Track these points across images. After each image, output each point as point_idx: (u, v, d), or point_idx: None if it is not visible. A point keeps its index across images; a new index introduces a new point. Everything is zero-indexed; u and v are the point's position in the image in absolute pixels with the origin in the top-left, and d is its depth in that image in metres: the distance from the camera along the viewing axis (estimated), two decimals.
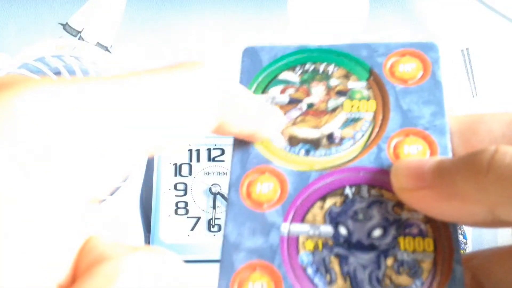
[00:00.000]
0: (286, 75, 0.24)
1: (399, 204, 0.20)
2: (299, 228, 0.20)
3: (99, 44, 0.56)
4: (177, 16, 0.63)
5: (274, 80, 0.24)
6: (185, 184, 0.59)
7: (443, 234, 0.19)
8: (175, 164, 0.59)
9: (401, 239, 0.19)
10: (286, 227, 0.20)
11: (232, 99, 0.19)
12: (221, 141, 0.60)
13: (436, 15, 0.60)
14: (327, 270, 0.19)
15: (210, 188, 0.59)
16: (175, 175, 0.59)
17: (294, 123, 0.22)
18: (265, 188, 0.21)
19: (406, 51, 0.23)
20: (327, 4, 0.59)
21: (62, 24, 0.56)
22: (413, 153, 0.21)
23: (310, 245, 0.20)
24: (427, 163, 0.19)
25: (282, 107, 0.23)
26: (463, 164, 0.17)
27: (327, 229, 0.20)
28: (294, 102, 0.23)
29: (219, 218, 0.58)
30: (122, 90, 0.16)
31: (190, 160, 0.60)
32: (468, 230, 0.59)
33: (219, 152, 0.60)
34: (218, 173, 0.59)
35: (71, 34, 0.56)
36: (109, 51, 0.57)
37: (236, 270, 0.19)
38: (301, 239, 0.20)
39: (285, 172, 0.21)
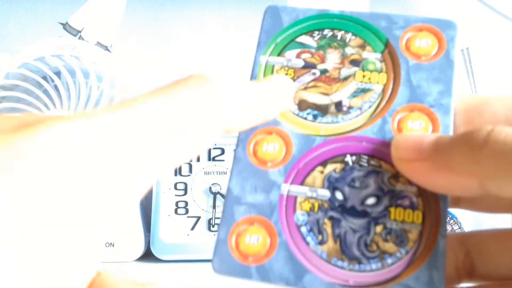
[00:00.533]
0: (304, 39, 0.24)
1: (395, 176, 0.21)
2: (298, 189, 0.21)
3: (99, 44, 0.56)
4: (177, 16, 0.63)
5: (291, 43, 0.24)
6: (185, 184, 0.59)
7: (433, 209, 0.20)
8: None
9: (392, 209, 0.20)
10: (286, 187, 0.21)
11: (241, 107, 0.19)
12: (221, 141, 0.60)
13: (436, 15, 0.60)
14: (320, 230, 0.20)
15: (210, 188, 0.59)
16: (175, 174, 0.59)
17: (306, 88, 0.23)
18: (271, 147, 0.22)
19: (424, 26, 0.24)
20: (327, 4, 0.59)
21: (62, 24, 0.56)
22: (416, 128, 0.21)
23: (306, 206, 0.21)
24: (427, 138, 0.19)
25: (296, 70, 0.23)
26: (460, 139, 0.18)
27: (325, 192, 0.21)
28: (308, 66, 0.23)
29: (219, 218, 0.58)
30: (131, 122, 0.16)
31: (190, 160, 0.60)
32: (467, 229, 0.59)
33: (219, 151, 0.60)
34: (218, 173, 0.59)
35: (71, 34, 0.56)
36: (109, 50, 0.57)
37: (236, 221, 0.20)
38: (298, 199, 0.21)
39: (291, 134, 0.22)
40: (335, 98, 0.23)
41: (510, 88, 0.63)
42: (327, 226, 0.20)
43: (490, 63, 0.64)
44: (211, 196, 0.59)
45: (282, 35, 0.24)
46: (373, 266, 0.19)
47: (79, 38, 0.56)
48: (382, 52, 0.23)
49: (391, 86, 0.23)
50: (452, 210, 0.59)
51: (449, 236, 0.22)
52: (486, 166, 0.17)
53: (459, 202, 0.23)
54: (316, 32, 0.24)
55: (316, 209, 0.21)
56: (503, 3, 0.55)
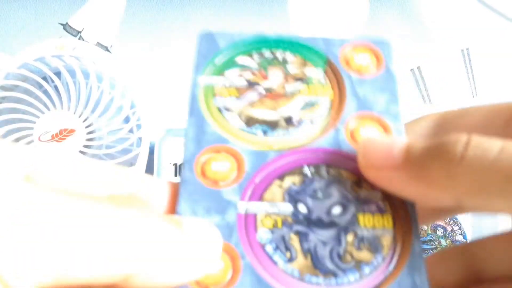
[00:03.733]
0: (243, 60, 0.24)
1: (358, 183, 0.20)
2: (257, 206, 0.20)
3: (99, 44, 0.56)
4: (177, 16, 0.63)
5: (230, 64, 0.24)
6: None
7: (401, 211, 0.19)
8: (175, 164, 0.60)
9: (360, 216, 0.19)
10: (243, 205, 0.20)
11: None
12: None
13: (436, 15, 0.60)
14: (287, 247, 0.19)
15: None
16: (175, 175, 0.59)
17: (252, 105, 0.22)
18: (221, 166, 0.20)
19: (360, 44, 0.24)
20: (327, 4, 0.59)
21: (62, 24, 0.56)
22: (369, 135, 0.21)
23: (268, 222, 0.19)
24: (397, 144, 0.19)
25: (239, 89, 0.23)
26: (434, 151, 0.17)
27: (286, 207, 0.20)
28: (251, 85, 0.23)
29: None
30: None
31: None
32: (467, 229, 0.59)
33: None
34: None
35: (71, 34, 0.56)
36: (109, 51, 0.57)
37: None
38: (259, 217, 0.19)
39: (242, 152, 0.21)
40: (283, 112, 0.22)
41: (510, 88, 0.63)
42: (294, 242, 0.19)
43: (490, 63, 0.64)
44: None
45: (219, 56, 0.24)
46: (351, 277, 0.18)
47: (79, 39, 0.56)
48: (324, 68, 0.23)
49: (338, 97, 0.22)
50: None
51: (448, 249, 0.22)
52: (463, 182, 0.17)
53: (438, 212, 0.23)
54: (255, 53, 0.24)
55: (279, 225, 0.19)
56: (503, 3, 0.55)
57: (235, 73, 0.23)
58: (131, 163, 0.55)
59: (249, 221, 0.19)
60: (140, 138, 0.55)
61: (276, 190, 0.20)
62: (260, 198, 0.20)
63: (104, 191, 0.18)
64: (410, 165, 0.18)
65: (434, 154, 0.17)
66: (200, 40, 0.24)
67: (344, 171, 0.20)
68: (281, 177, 0.20)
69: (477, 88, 0.62)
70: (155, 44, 0.64)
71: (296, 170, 0.21)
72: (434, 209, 0.22)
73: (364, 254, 0.19)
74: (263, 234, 0.19)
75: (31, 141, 0.52)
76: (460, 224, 0.60)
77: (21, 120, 0.52)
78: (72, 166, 0.18)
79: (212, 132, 0.21)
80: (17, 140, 0.53)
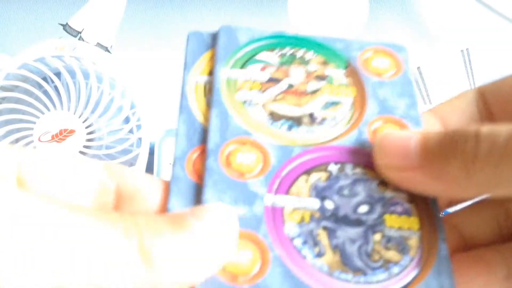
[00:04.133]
0: (264, 56, 0.24)
1: (383, 183, 0.20)
2: (284, 199, 0.20)
3: (99, 45, 0.56)
4: (177, 16, 0.63)
5: (252, 59, 0.23)
6: None
7: (427, 213, 0.19)
8: None
9: (387, 216, 0.19)
10: (270, 198, 0.20)
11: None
12: None
13: (436, 15, 0.60)
14: (316, 242, 0.19)
15: None
16: None
17: (275, 99, 0.22)
18: (247, 158, 0.20)
19: (379, 48, 0.24)
20: (327, 4, 0.59)
21: (62, 25, 0.56)
22: None
23: (296, 216, 0.19)
24: (412, 141, 0.19)
25: (262, 84, 0.23)
26: (450, 148, 0.17)
27: (314, 202, 0.20)
28: (273, 80, 0.23)
29: None
30: None
31: None
32: None
33: None
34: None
35: (71, 35, 0.56)
36: (109, 51, 0.57)
37: None
38: (286, 210, 0.19)
39: (267, 145, 0.21)
40: (306, 109, 0.22)
41: None
42: (322, 237, 0.19)
43: (490, 63, 0.64)
44: None
45: (241, 51, 0.23)
46: (380, 276, 0.18)
47: (79, 39, 0.56)
48: (345, 69, 0.23)
49: (359, 99, 0.23)
50: None
51: (486, 201, 0.22)
52: (480, 179, 0.17)
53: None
54: (277, 49, 0.24)
55: (307, 219, 0.19)
56: (503, 3, 0.55)
57: (258, 68, 0.23)
58: (131, 163, 0.55)
59: (277, 214, 0.19)
60: (140, 139, 0.55)
61: (302, 185, 0.20)
62: (287, 192, 0.20)
63: (99, 190, 0.19)
64: (427, 164, 0.18)
65: (449, 152, 0.17)
66: (220, 35, 0.24)
67: (369, 171, 0.20)
68: (307, 172, 0.20)
69: None
70: (155, 44, 0.64)
71: (322, 166, 0.21)
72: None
73: (392, 254, 0.19)
74: (291, 227, 0.19)
75: (31, 142, 0.52)
76: None
77: (21, 121, 0.52)
78: (65, 167, 0.18)
79: (235, 125, 0.21)
80: (17, 140, 0.53)
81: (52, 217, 0.14)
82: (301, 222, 0.19)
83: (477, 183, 0.17)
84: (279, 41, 0.24)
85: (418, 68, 0.57)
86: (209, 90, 0.22)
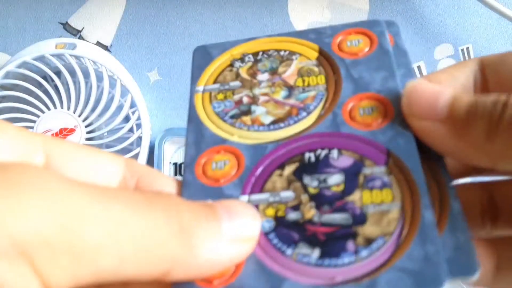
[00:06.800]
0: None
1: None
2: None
3: (99, 43, 0.56)
4: (177, 16, 0.63)
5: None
6: None
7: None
8: (175, 164, 0.59)
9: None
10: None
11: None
12: None
13: (436, 15, 0.60)
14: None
15: None
16: (175, 174, 0.59)
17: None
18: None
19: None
20: (327, 4, 0.59)
21: (62, 24, 0.56)
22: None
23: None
24: (443, 95, 0.18)
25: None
26: (477, 109, 0.17)
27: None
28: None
29: None
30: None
31: None
32: None
33: None
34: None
35: (71, 34, 0.56)
36: (109, 50, 0.57)
37: None
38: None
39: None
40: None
41: None
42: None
43: None
44: None
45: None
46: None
47: (79, 38, 0.56)
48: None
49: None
50: None
51: (471, 183, 0.22)
52: (499, 146, 0.16)
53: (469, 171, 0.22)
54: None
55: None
56: (503, 2, 0.55)
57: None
58: None
59: None
60: (140, 138, 0.55)
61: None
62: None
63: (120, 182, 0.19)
64: (453, 121, 0.18)
65: (476, 113, 0.17)
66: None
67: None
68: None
69: None
70: (155, 44, 0.64)
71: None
72: (466, 167, 0.22)
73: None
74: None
75: None
76: None
77: (21, 120, 0.52)
78: (91, 159, 0.18)
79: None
80: None
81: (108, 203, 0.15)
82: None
83: (494, 149, 0.17)
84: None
85: (419, 67, 0.57)
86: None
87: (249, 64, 0.24)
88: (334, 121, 0.21)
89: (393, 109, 0.21)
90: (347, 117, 0.21)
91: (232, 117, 0.23)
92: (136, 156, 0.54)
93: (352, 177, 0.20)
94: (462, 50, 0.61)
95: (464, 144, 0.18)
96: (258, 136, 0.22)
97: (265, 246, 0.19)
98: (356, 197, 0.19)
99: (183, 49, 0.61)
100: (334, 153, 0.20)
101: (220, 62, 0.24)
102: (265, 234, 0.19)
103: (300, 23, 0.59)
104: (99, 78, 0.53)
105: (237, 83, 0.24)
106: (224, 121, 0.22)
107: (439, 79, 0.22)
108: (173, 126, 0.60)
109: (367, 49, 0.23)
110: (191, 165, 0.21)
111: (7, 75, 0.53)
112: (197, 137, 0.22)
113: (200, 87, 0.24)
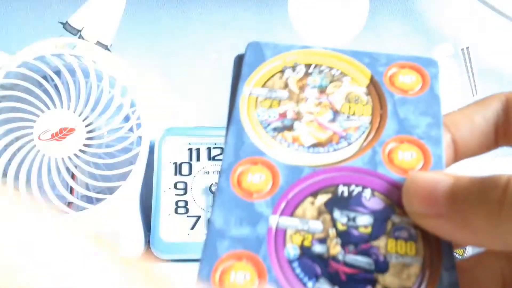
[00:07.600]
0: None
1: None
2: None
3: (99, 43, 0.56)
4: (177, 16, 0.63)
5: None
6: (185, 183, 0.59)
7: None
8: (175, 163, 0.59)
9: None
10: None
11: None
12: (221, 140, 0.60)
13: (436, 15, 0.60)
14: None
15: (210, 187, 0.59)
16: (175, 174, 0.59)
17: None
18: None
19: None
20: (327, 4, 0.59)
21: (62, 23, 0.56)
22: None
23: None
24: (440, 187, 0.18)
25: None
26: (477, 198, 0.17)
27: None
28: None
29: None
30: None
31: (190, 159, 0.60)
32: None
33: (219, 151, 0.60)
34: (218, 172, 0.59)
35: (71, 33, 0.56)
36: (109, 50, 0.57)
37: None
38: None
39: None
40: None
41: (510, 87, 0.63)
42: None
43: (490, 62, 0.64)
44: (211, 195, 0.59)
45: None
46: None
47: (79, 38, 0.56)
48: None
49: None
50: None
51: (492, 252, 0.21)
52: (506, 231, 0.16)
53: None
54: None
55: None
56: (503, 3, 0.55)
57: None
58: (131, 162, 0.55)
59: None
60: (140, 137, 0.55)
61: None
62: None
63: None
64: (455, 214, 0.17)
65: (476, 202, 0.17)
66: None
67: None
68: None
69: (477, 87, 0.62)
70: (155, 44, 0.64)
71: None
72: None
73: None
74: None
75: (31, 140, 0.52)
76: None
77: (21, 119, 0.52)
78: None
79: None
80: (17, 139, 0.53)
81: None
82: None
83: (503, 234, 0.16)
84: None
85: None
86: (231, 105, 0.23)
87: (300, 75, 0.24)
88: (373, 158, 0.21)
89: (431, 160, 0.21)
90: (386, 157, 0.21)
91: (274, 129, 0.22)
92: (136, 156, 0.54)
93: (381, 222, 0.20)
94: (462, 50, 0.61)
95: (470, 235, 0.17)
96: (296, 156, 0.21)
97: (288, 273, 0.19)
98: (381, 243, 0.19)
99: (183, 49, 0.61)
100: (368, 192, 0.20)
101: (272, 65, 0.24)
102: (289, 261, 0.19)
103: (300, 23, 0.59)
104: (99, 78, 0.53)
105: (285, 93, 0.23)
106: (266, 132, 0.22)
107: (456, 121, 0.22)
108: (173, 126, 0.60)
109: (418, 88, 0.23)
110: (228, 171, 0.21)
111: (7, 75, 0.53)
112: (237, 143, 0.21)
113: (247, 88, 0.23)
